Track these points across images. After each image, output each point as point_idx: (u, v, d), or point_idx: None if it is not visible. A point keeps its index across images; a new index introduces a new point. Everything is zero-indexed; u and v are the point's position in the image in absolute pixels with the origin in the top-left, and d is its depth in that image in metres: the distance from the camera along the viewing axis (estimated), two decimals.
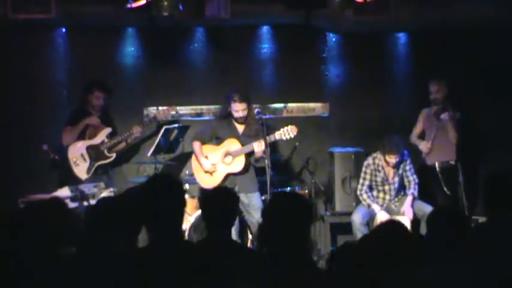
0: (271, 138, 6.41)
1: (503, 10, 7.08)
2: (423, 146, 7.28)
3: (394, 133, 6.95)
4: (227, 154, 6.59)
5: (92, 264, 3.24)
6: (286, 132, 6.44)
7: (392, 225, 3.47)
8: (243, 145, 6.54)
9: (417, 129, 7.40)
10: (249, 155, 6.58)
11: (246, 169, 6.60)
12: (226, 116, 6.67)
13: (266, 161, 6.24)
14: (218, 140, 6.70)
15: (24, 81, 7.44)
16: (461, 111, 7.23)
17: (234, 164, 6.58)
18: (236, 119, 6.60)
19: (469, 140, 7.38)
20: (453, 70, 7.55)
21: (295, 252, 3.07)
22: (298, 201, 3.22)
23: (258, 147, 6.38)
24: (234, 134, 6.64)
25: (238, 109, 6.52)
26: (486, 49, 7.71)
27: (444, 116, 7.11)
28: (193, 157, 6.78)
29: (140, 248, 3.42)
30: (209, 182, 6.59)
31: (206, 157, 6.65)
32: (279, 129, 6.47)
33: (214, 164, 6.60)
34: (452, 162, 7.18)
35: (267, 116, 7.43)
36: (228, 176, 6.61)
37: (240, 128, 6.66)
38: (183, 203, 3.40)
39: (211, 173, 6.62)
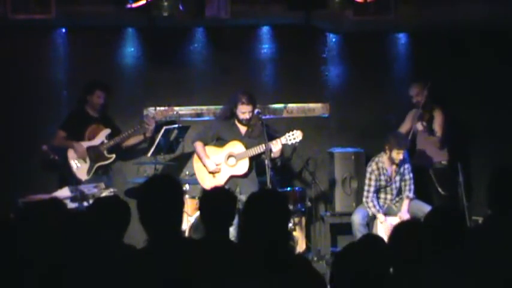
0: (277, 143, 6.39)
1: (503, 10, 7.07)
2: (418, 125, 7.15)
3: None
4: (230, 156, 6.57)
5: (89, 264, 3.25)
6: (292, 137, 6.44)
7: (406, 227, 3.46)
8: (246, 147, 6.52)
9: (403, 128, 7.31)
10: (253, 157, 6.55)
11: (249, 171, 6.58)
12: (228, 116, 6.64)
13: (266, 161, 6.23)
14: (220, 141, 6.66)
15: (24, 81, 7.44)
16: (461, 111, 7.23)
17: (238, 166, 6.55)
18: (240, 121, 6.57)
19: (468, 140, 7.38)
20: (453, 70, 7.55)
21: (276, 249, 3.07)
22: (273, 199, 3.22)
23: (276, 146, 6.37)
24: (237, 136, 6.61)
25: (245, 111, 6.49)
26: (486, 49, 7.70)
27: (418, 126, 7.10)
28: (194, 158, 6.74)
29: (138, 249, 3.42)
30: (212, 184, 6.52)
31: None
32: (284, 134, 6.46)
33: (218, 164, 6.58)
34: (445, 162, 7.18)
35: (267, 117, 7.42)
36: (231, 178, 6.59)
37: (243, 129, 6.64)
38: (182, 203, 3.40)
39: (214, 175, 6.60)
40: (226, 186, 6.39)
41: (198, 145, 6.65)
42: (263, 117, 6.63)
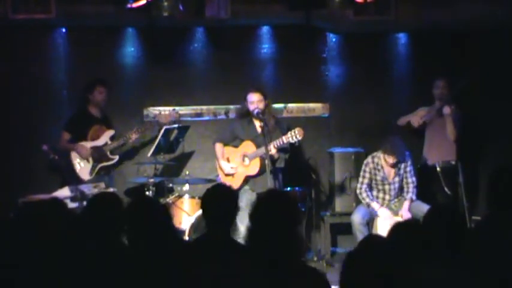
0: (279, 142, 6.37)
1: (503, 10, 7.08)
2: (414, 119, 7.20)
3: (394, 134, 6.96)
4: (244, 156, 6.59)
5: (87, 263, 3.25)
6: (294, 135, 6.42)
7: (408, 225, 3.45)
8: (257, 146, 6.52)
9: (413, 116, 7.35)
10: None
11: (262, 171, 6.55)
12: (244, 115, 6.64)
13: (266, 161, 6.22)
14: (237, 141, 6.70)
15: (24, 81, 7.44)
16: (461, 111, 7.22)
17: (251, 166, 6.55)
18: (254, 114, 6.52)
19: (469, 140, 7.38)
20: (453, 70, 7.55)
21: (285, 252, 3.05)
22: (283, 200, 3.20)
23: (279, 144, 6.37)
24: (253, 134, 6.59)
25: (255, 100, 6.46)
26: (486, 49, 7.70)
27: (446, 109, 7.06)
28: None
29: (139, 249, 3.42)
30: (231, 184, 6.46)
31: (228, 159, 6.65)
32: (285, 133, 6.45)
33: (234, 167, 6.59)
34: (453, 162, 7.17)
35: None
36: (247, 178, 6.60)
37: (259, 126, 6.62)
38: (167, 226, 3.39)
39: (233, 176, 6.62)
40: (247, 187, 6.46)
41: (217, 146, 6.73)
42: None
